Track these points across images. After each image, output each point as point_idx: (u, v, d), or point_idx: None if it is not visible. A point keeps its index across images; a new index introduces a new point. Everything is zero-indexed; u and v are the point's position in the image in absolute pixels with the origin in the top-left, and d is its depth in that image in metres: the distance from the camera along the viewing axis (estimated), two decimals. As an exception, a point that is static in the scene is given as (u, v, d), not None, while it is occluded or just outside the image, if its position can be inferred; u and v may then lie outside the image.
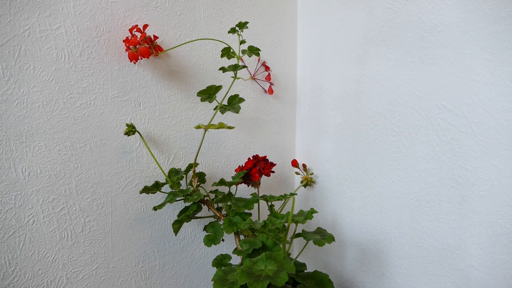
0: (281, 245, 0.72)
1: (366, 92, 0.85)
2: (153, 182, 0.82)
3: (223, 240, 0.81)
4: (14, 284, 0.69)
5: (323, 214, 0.99)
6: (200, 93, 0.80)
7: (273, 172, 0.90)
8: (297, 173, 1.04)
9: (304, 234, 0.75)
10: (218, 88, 0.80)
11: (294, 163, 1.02)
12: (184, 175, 0.84)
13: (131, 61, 0.77)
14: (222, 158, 0.96)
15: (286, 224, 0.70)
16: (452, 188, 0.68)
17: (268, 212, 0.99)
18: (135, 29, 0.76)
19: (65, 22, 0.71)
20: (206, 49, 0.91)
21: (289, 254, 0.91)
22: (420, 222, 0.74)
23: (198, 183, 0.83)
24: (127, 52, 0.77)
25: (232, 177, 0.88)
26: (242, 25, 0.78)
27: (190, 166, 0.84)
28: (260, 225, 0.67)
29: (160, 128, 0.85)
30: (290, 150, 1.09)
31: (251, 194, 0.85)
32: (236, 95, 0.82)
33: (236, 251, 0.76)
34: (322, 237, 0.73)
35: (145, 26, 0.76)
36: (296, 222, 0.72)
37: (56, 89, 0.71)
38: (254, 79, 1.00)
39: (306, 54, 1.05)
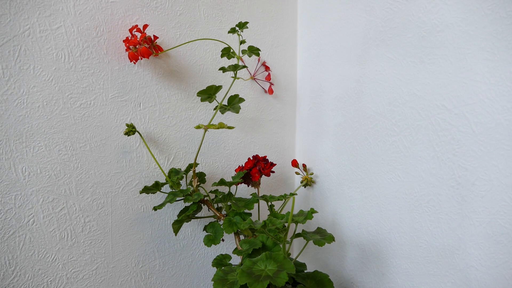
0: (281, 245, 0.72)
1: (366, 92, 0.85)
2: (153, 182, 0.82)
3: (223, 240, 0.81)
4: (14, 284, 0.69)
5: (323, 214, 0.99)
6: (200, 93, 0.80)
7: (273, 172, 0.90)
8: (297, 173, 1.04)
9: (304, 234, 0.75)
10: (218, 88, 0.80)
11: (294, 163, 1.02)
12: (184, 175, 0.84)
13: (131, 61, 0.77)
14: (222, 158, 0.96)
15: (286, 224, 0.70)
16: (452, 188, 0.68)
17: (268, 212, 0.99)
18: (135, 29, 0.76)
19: (65, 22, 0.71)
20: (206, 49, 0.91)
21: (289, 254, 0.91)
22: (420, 222, 0.74)
23: (198, 183, 0.83)
24: (127, 52, 0.77)
25: (232, 177, 0.88)
26: (242, 25, 0.78)
27: (190, 166, 0.84)
28: (260, 225, 0.67)
29: (160, 128, 0.85)
30: (290, 150, 1.09)
31: (251, 194, 0.85)
32: (236, 95, 0.82)
33: (236, 251, 0.76)
34: (322, 237, 0.73)
35: (145, 26, 0.76)
36: (296, 222, 0.72)
37: (56, 89, 0.71)
38: (254, 79, 1.00)
39: (306, 54, 1.05)
